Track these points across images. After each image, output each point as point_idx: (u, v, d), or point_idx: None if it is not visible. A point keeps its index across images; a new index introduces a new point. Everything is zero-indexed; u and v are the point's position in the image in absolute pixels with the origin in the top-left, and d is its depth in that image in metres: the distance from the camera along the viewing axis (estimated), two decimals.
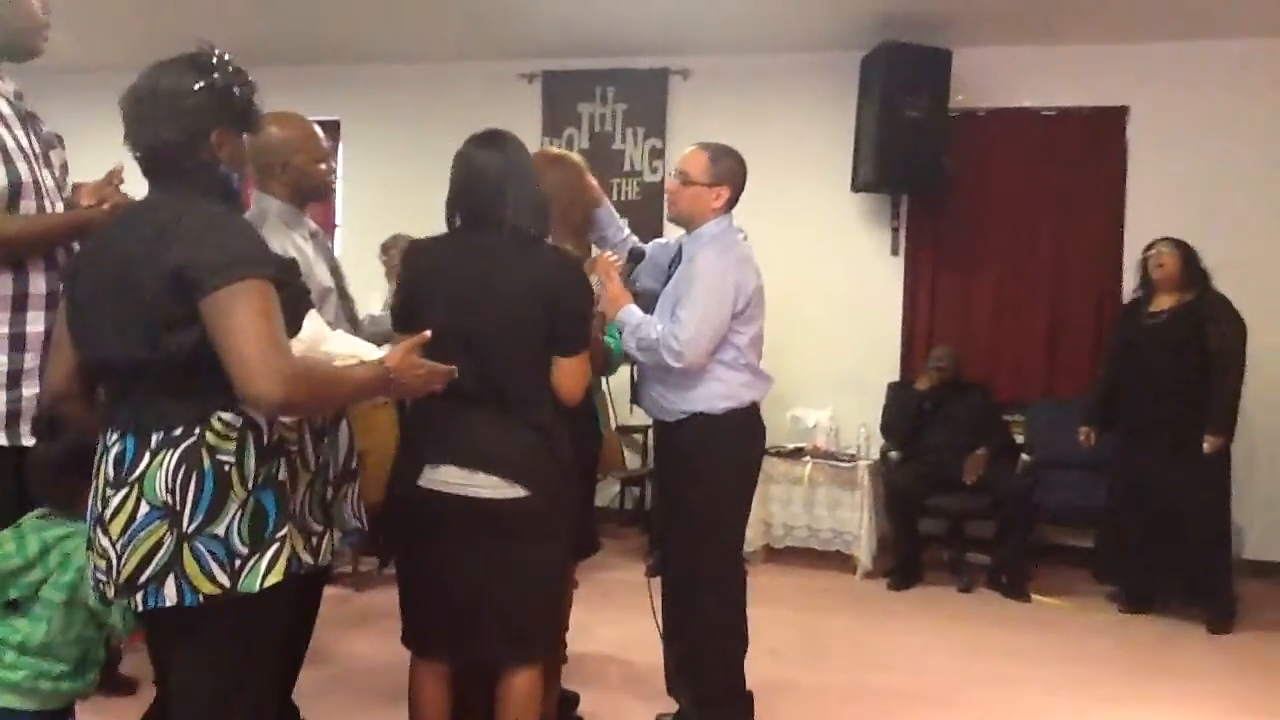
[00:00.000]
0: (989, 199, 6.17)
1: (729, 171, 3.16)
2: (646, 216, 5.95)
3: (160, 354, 1.76)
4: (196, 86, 1.85)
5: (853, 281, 6.18)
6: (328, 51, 6.58)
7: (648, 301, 3.24)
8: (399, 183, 6.78)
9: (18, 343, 2.28)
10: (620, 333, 3.09)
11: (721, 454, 3.11)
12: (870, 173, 5.94)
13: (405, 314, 2.51)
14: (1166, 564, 4.83)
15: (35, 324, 2.32)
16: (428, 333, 2.07)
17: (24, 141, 2.32)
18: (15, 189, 2.24)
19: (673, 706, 3.29)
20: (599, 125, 6.70)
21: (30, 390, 2.30)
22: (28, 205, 2.28)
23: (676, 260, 3.23)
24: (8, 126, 2.29)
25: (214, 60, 1.90)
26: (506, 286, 2.40)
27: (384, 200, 6.72)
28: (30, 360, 2.31)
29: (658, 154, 6.61)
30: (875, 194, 6.20)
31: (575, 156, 3.27)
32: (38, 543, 2.08)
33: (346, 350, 2.00)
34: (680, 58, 6.50)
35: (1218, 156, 5.81)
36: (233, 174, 1.93)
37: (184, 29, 5.81)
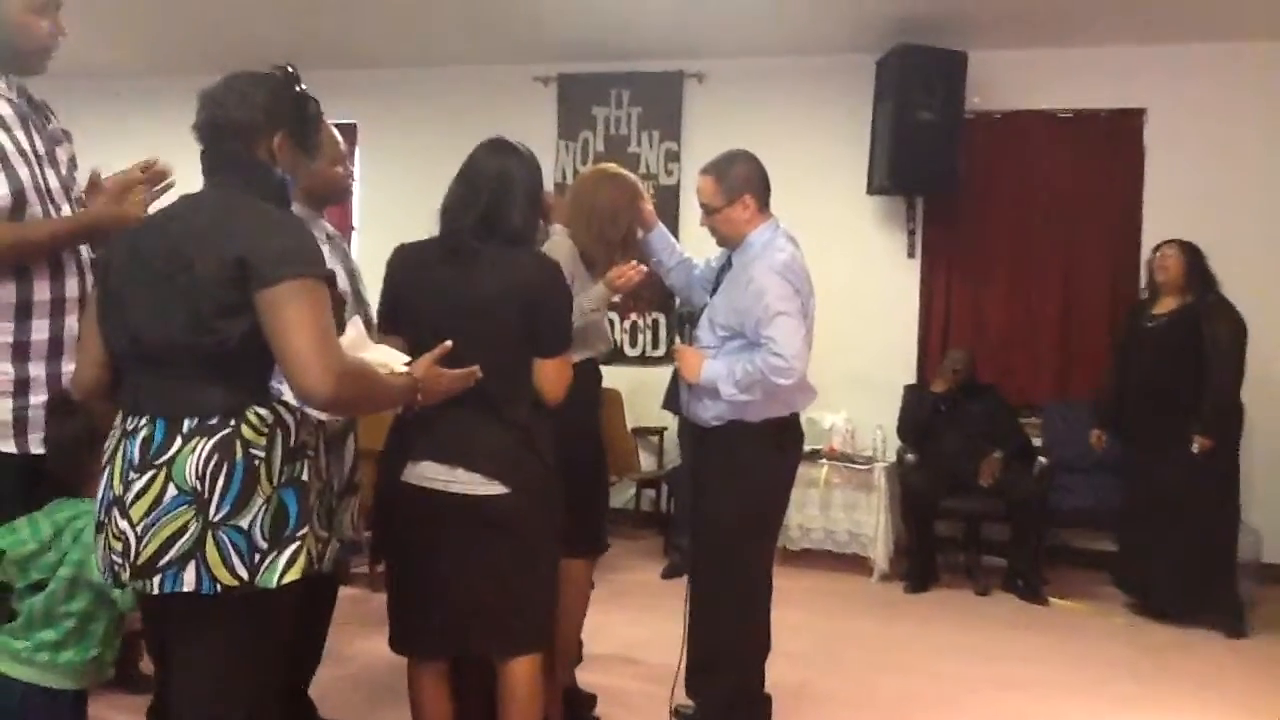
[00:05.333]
0: (1005, 202, 6.16)
1: (741, 179, 3.12)
2: (663, 220, 5.91)
3: (209, 338, 1.79)
4: (273, 89, 1.96)
5: (868, 284, 6.17)
6: (344, 55, 6.61)
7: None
8: (415, 186, 6.73)
9: (21, 351, 2.25)
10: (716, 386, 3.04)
11: (758, 461, 3.10)
12: (885, 175, 5.93)
13: (389, 314, 2.55)
14: (1177, 566, 4.80)
15: (40, 332, 2.28)
16: (449, 343, 2.15)
17: (24, 144, 2.28)
18: (18, 196, 2.22)
19: (687, 707, 3.29)
20: (614, 128, 6.72)
21: (38, 398, 2.28)
22: (34, 210, 2.25)
23: (725, 270, 3.21)
24: (7, 129, 2.25)
25: (294, 78, 2.01)
26: (484, 289, 2.42)
27: (400, 203, 6.71)
28: (35, 369, 2.28)
29: (673, 157, 6.62)
30: (890, 197, 6.20)
31: (632, 178, 3.29)
32: (50, 526, 2.16)
33: (379, 358, 2.05)
34: (695, 61, 6.51)
35: (1236, 160, 5.78)
36: (287, 179, 1.99)
37: (206, 35, 5.93)
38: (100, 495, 1.89)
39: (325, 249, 2.77)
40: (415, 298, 2.49)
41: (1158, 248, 4.99)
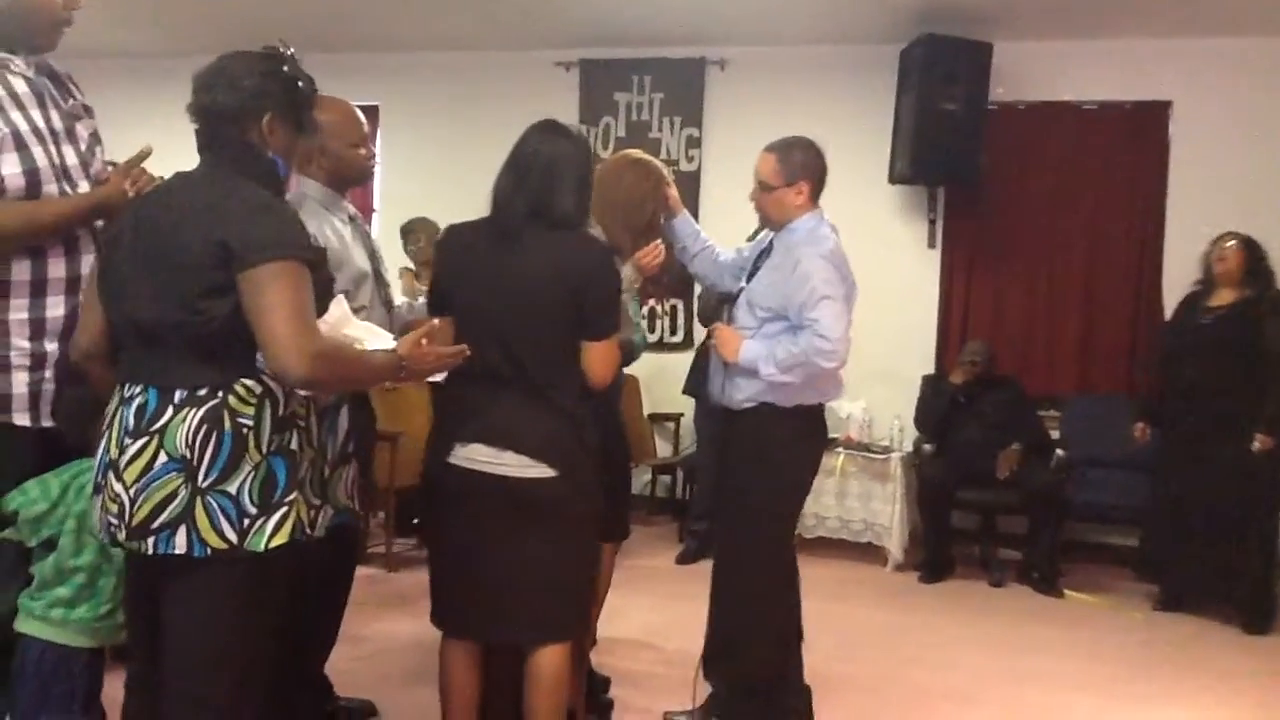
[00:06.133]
0: (1027, 193, 6.13)
1: (802, 166, 3.14)
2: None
3: (195, 318, 1.85)
4: (262, 71, 1.99)
5: (889, 274, 6.13)
6: (368, 38, 6.63)
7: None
8: (435, 168, 6.83)
9: (38, 327, 2.28)
10: (756, 368, 3.03)
11: (788, 445, 3.11)
12: (907, 165, 5.91)
13: (438, 297, 2.55)
14: (1209, 562, 4.78)
15: (55, 309, 2.31)
16: (436, 322, 2.20)
17: (40, 122, 2.28)
18: (33, 176, 2.23)
19: (702, 692, 3.31)
20: (636, 114, 6.71)
21: (53, 373, 2.31)
22: (49, 189, 2.26)
23: (765, 254, 3.22)
24: (23, 108, 2.26)
25: (284, 55, 2.04)
26: (534, 271, 2.42)
27: (420, 186, 6.76)
28: (51, 344, 2.31)
29: (694, 143, 6.61)
30: (912, 186, 6.18)
31: (657, 164, 3.27)
32: (58, 484, 2.21)
33: (365, 335, 2.09)
34: (718, 47, 6.49)
35: (1262, 154, 5.73)
36: (279, 160, 2.03)
37: (225, 15, 5.95)
38: (99, 458, 1.96)
39: (347, 230, 2.80)
40: (465, 280, 2.49)
41: (1216, 240, 4.89)
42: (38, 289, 2.27)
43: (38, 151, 2.25)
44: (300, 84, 2.05)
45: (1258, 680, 4.07)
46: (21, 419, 2.27)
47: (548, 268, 2.42)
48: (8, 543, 2.26)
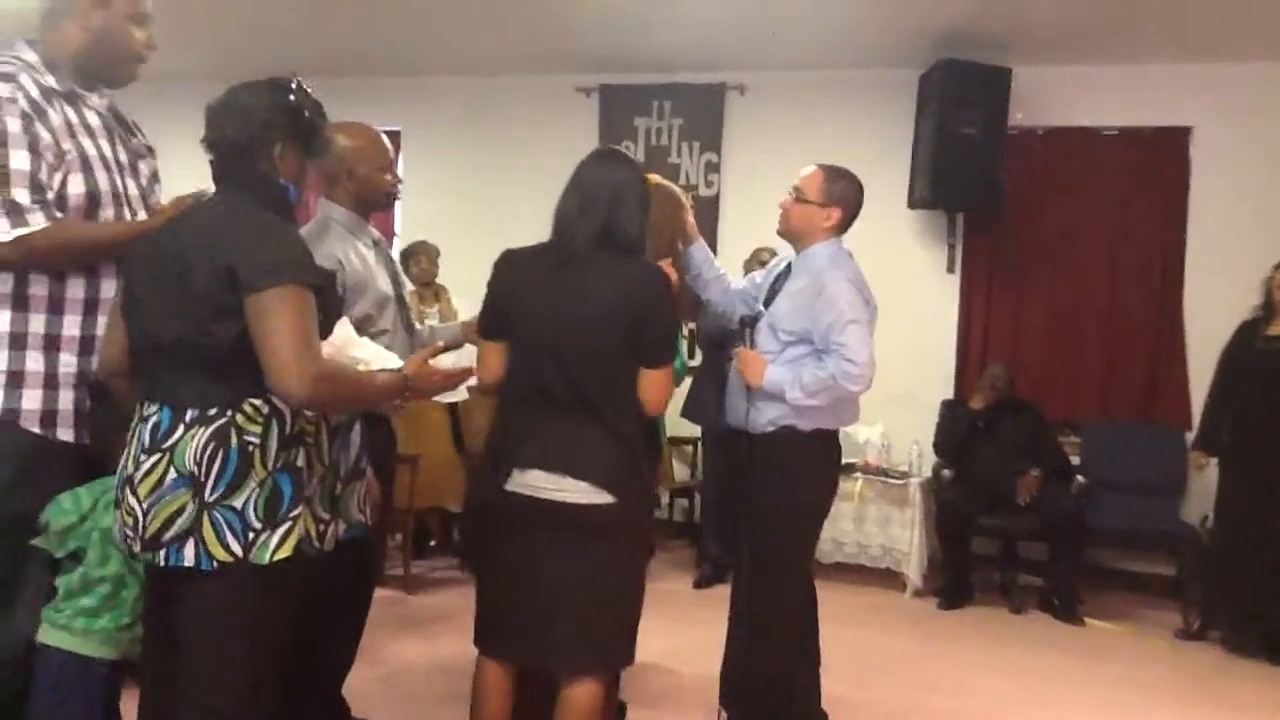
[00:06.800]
0: (1047, 218, 6.11)
1: (843, 195, 3.19)
2: (702, 231, 5.81)
3: (206, 339, 1.94)
4: (269, 103, 2.08)
5: (908, 298, 6.12)
6: (390, 63, 6.69)
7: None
8: (457, 192, 6.88)
9: (87, 345, 2.34)
10: (782, 393, 3.06)
11: (809, 470, 3.14)
12: (926, 190, 5.92)
13: (495, 322, 2.56)
14: (1252, 593, 4.70)
15: (104, 328, 2.35)
16: (441, 343, 2.30)
17: (107, 152, 2.38)
18: (94, 198, 2.32)
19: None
20: (655, 139, 6.74)
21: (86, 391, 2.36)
22: (106, 213, 2.34)
23: (783, 277, 3.24)
24: (93, 137, 2.36)
25: (292, 85, 2.12)
26: (600, 297, 2.44)
27: (442, 210, 6.81)
28: (98, 361, 2.36)
29: (713, 168, 6.63)
30: (931, 211, 6.18)
31: (676, 190, 3.32)
32: (89, 497, 2.26)
33: (370, 356, 2.14)
34: (737, 73, 6.52)
35: None
36: (290, 187, 2.12)
37: (255, 42, 6.04)
38: (119, 473, 2.04)
39: (371, 254, 2.83)
40: (526, 305, 2.49)
41: (1277, 266, 4.83)
42: (90, 307, 2.33)
43: (101, 177, 2.35)
44: (307, 113, 2.13)
45: None
46: (65, 435, 2.31)
47: (613, 294, 2.44)
48: (37, 562, 2.29)
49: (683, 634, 4.39)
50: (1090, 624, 5.11)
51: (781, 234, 3.31)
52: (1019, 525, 5.39)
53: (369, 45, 6.35)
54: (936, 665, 4.41)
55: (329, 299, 2.10)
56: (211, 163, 2.10)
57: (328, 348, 2.00)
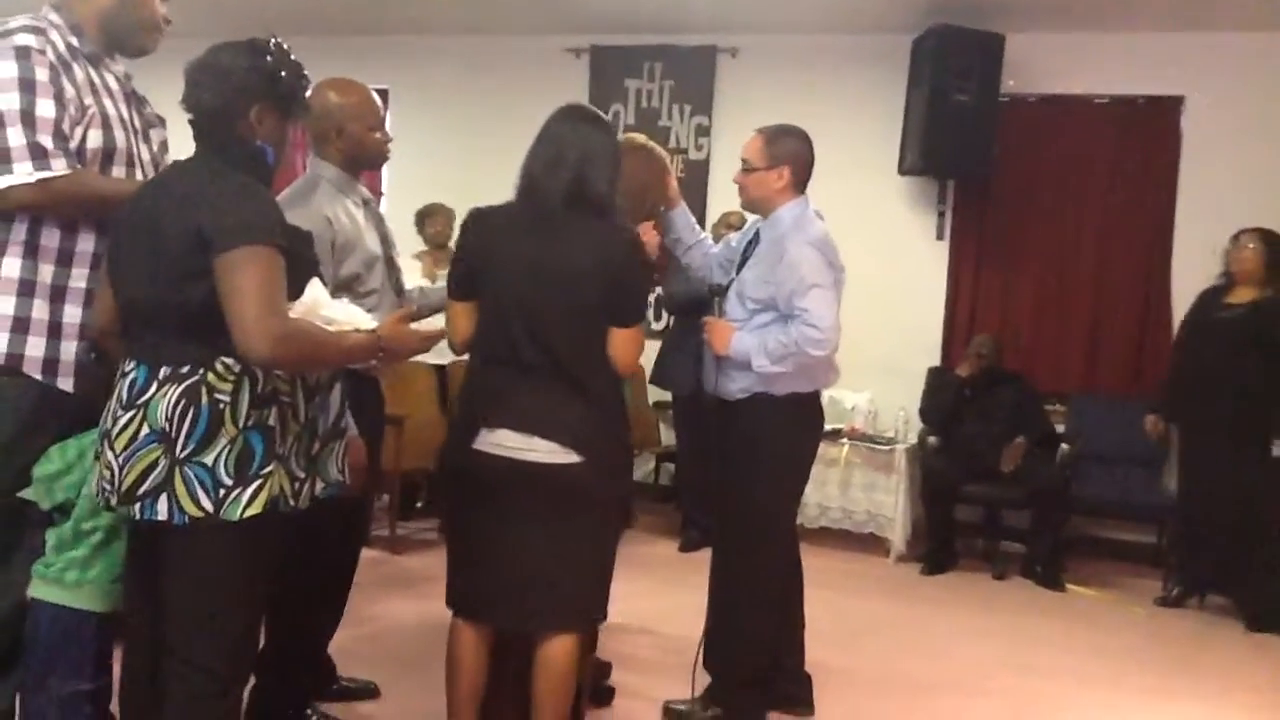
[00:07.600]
0: (1038, 186, 6.12)
1: (788, 152, 3.13)
2: (692, 194, 5.93)
3: (179, 299, 1.96)
4: (246, 66, 2.07)
5: (897, 265, 6.15)
6: (380, 21, 6.63)
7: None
8: (444, 153, 6.83)
9: (93, 299, 2.34)
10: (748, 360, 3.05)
11: (783, 435, 3.12)
12: (917, 157, 5.90)
13: (465, 281, 2.54)
14: (1218, 559, 4.77)
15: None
16: (414, 307, 2.28)
17: (125, 114, 2.42)
18: (109, 154, 2.35)
19: (701, 681, 3.32)
20: (646, 102, 6.70)
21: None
22: (118, 172, 2.37)
23: (753, 243, 3.22)
24: (113, 99, 2.40)
25: (269, 46, 2.11)
26: (572, 257, 2.42)
27: (430, 170, 6.76)
28: (92, 319, 2.37)
29: (704, 131, 6.60)
30: (922, 178, 6.17)
31: (660, 151, 3.28)
32: (75, 449, 2.27)
33: (343, 316, 2.13)
34: (729, 36, 6.48)
35: (1274, 150, 5.71)
36: (267, 149, 2.12)
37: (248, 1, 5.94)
38: (99, 427, 2.07)
39: (360, 213, 2.81)
40: (496, 264, 2.47)
41: (1236, 236, 4.84)
42: (97, 262, 2.34)
43: (119, 135, 2.38)
44: (285, 74, 2.12)
45: (1261, 677, 4.08)
46: (65, 384, 2.33)
47: (586, 254, 2.42)
48: (32, 520, 2.28)
49: (668, 596, 4.41)
50: (1071, 590, 5.17)
51: (745, 208, 3.30)
52: (1003, 493, 5.42)
53: (358, 3, 6.27)
54: (919, 630, 4.45)
55: (301, 260, 2.09)
56: (190, 123, 2.10)
57: (297, 308, 2.01)
